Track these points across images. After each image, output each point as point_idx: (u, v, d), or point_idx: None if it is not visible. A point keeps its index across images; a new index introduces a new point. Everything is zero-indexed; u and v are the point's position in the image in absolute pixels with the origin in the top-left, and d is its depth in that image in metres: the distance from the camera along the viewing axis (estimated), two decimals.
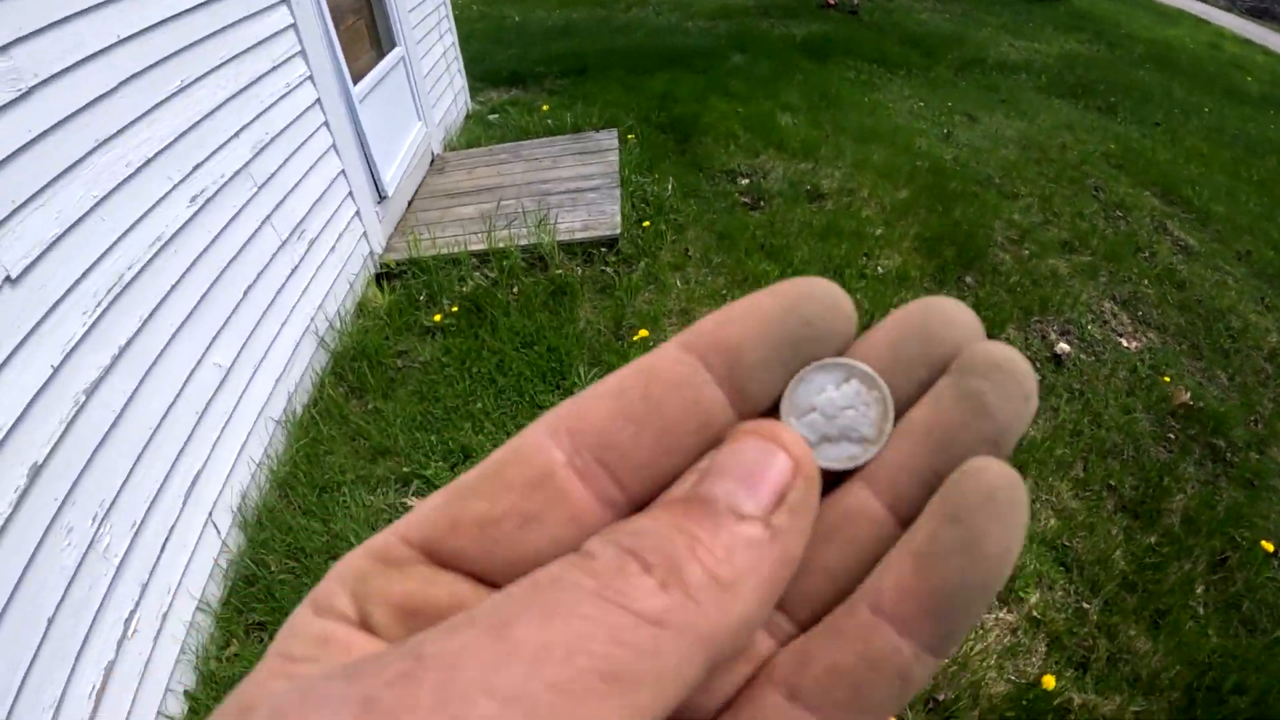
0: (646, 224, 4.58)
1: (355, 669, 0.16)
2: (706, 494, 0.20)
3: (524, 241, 4.35)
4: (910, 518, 0.22)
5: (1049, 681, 2.38)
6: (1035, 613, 2.64)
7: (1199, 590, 2.81)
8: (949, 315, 0.24)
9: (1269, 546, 2.95)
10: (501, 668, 0.16)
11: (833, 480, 0.24)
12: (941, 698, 2.35)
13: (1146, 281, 4.72)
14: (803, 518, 0.21)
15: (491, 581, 0.22)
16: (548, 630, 0.16)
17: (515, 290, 4.08)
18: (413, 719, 0.14)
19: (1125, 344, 4.11)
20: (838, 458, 0.24)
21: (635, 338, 3.72)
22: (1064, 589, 2.76)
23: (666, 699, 0.17)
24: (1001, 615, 2.64)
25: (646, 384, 0.23)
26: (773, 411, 0.24)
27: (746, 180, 5.38)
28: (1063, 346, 3.94)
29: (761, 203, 5.06)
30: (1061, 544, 2.91)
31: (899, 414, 0.24)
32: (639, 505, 0.22)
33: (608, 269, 4.25)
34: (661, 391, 0.23)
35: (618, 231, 4.39)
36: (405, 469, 3.07)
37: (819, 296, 0.24)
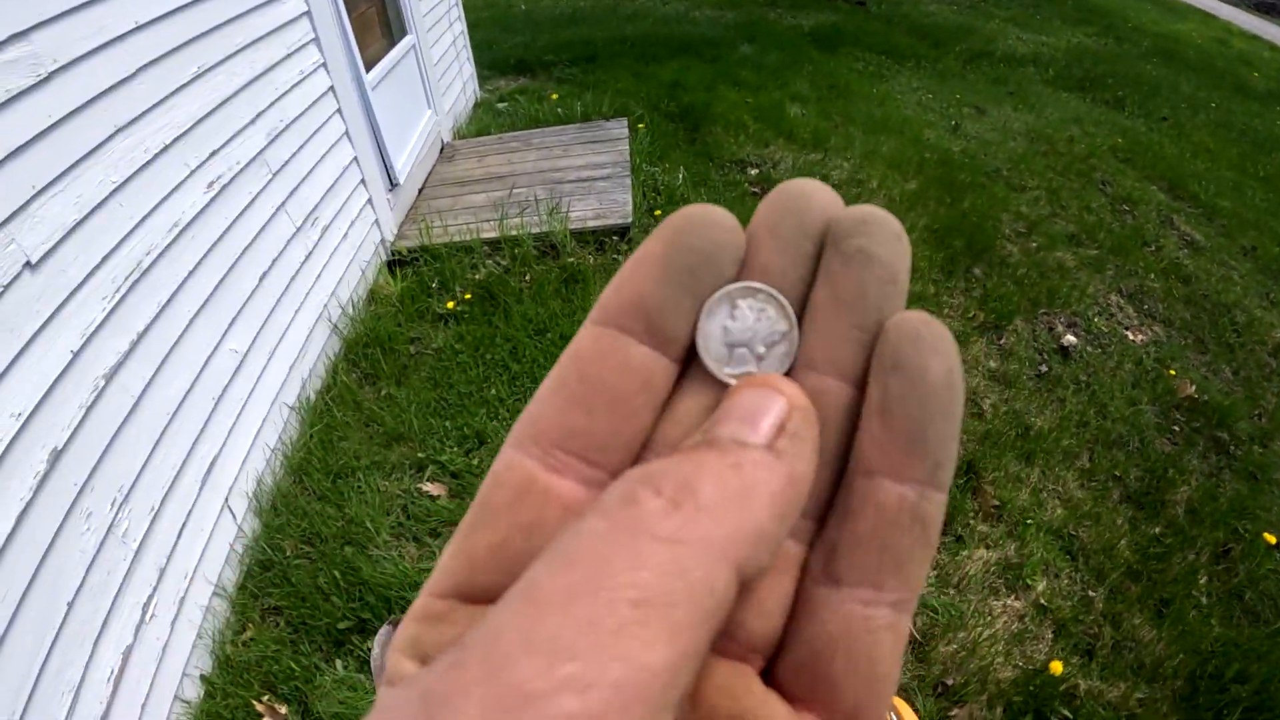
0: (658, 213, 4.59)
1: (414, 675, 0.18)
2: (713, 437, 0.21)
3: (536, 229, 4.36)
4: (860, 377, 0.24)
5: (1056, 667, 2.40)
6: (1042, 600, 2.66)
7: (1202, 580, 2.83)
8: (806, 190, 0.25)
9: (1271, 538, 2.97)
10: (536, 623, 0.16)
11: None
12: (950, 682, 2.38)
13: (1153, 275, 4.72)
14: (805, 444, 0.22)
15: None
16: (571, 575, 0.17)
17: (528, 278, 4.09)
18: (465, 698, 0.15)
19: (1131, 337, 4.13)
20: (777, 363, 0.25)
21: None
22: (1070, 577, 2.78)
23: (705, 613, 0.17)
24: (1009, 602, 2.66)
25: (579, 368, 0.25)
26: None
27: (756, 170, 5.37)
28: (1070, 339, 3.95)
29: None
30: (1068, 533, 2.94)
31: (806, 291, 0.25)
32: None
33: (620, 257, 4.26)
34: (594, 369, 0.24)
35: (630, 220, 4.39)
36: (420, 454, 3.08)
37: (697, 221, 0.25)
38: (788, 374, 0.25)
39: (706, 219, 0.25)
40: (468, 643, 0.16)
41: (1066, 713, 2.35)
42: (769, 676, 0.24)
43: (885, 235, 0.24)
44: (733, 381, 0.25)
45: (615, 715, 0.14)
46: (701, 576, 0.17)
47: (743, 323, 0.25)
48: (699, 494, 0.19)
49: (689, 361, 0.26)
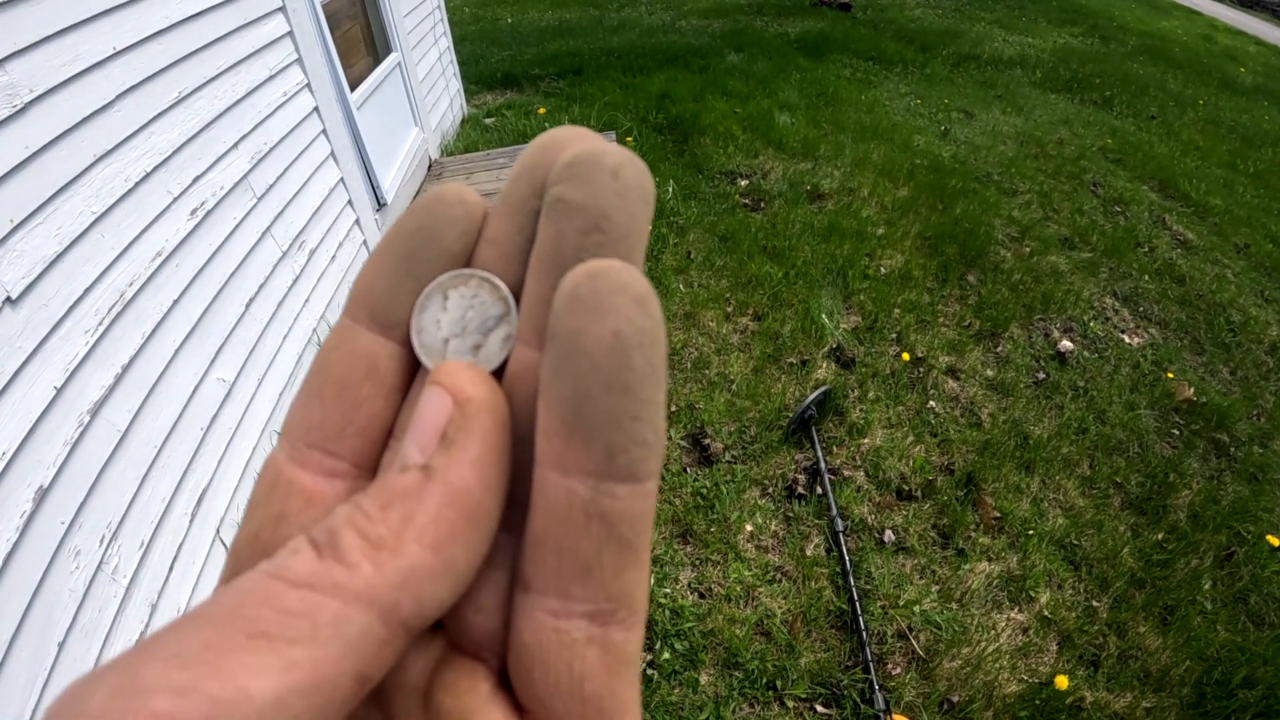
0: (648, 229, 4.54)
1: None
2: (395, 461, 0.21)
3: None
4: None
5: (1061, 682, 2.38)
6: (1046, 612, 2.64)
7: (1206, 585, 2.81)
8: (549, 141, 0.23)
9: (1274, 540, 2.96)
10: (175, 636, 0.17)
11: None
12: (956, 699, 2.35)
13: (1147, 277, 4.72)
14: (467, 447, 0.21)
15: None
16: (217, 607, 0.18)
17: None
18: (98, 683, 0.16)
19: (1127, 340, 4.12)
20: (499, 347, 0.24)
21: None
22: (1073, 587, 2.76)
23: (332, 654, 0.17)
24: (1013, 615, 2.64)
25: (318, 361, 0.25)
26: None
27: (746, 181, 5.36)
28: (1066, 344, 3.94)
29: (762, 204, 5.05)
30: (1070, 542, 2.92)
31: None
32: (368, 465, 0.24)
33: None
34: (329, 359, 0.24)
35: None
36: None
37: (423, 203, 0.24)
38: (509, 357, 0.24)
39: (433, 197, 0.24)
40: (141, 640, 0.17)
41: None
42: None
43: (590, 176, 0.21)
44: None
45: None
46: (330, 620, 0.17)
47: (454, 313, 0.24)
48: (340, 545, 0.19)
49: None
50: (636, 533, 0.21)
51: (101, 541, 2.13)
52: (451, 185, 0.25)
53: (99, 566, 2.10)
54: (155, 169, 2.53)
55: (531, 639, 0.21)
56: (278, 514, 0.23)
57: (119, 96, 2.42)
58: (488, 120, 6.82)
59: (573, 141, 0.23)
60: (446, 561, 0.19)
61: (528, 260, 0.23)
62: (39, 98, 2.10)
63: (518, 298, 0.24)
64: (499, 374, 0.24)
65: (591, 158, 0.21)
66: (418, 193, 5.26)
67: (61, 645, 1.93)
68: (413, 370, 0.25)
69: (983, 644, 2.50)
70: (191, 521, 2.51)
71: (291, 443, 0.24)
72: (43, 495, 1.94)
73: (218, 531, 2.64)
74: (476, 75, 7.92)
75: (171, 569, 2.39)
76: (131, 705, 0.15)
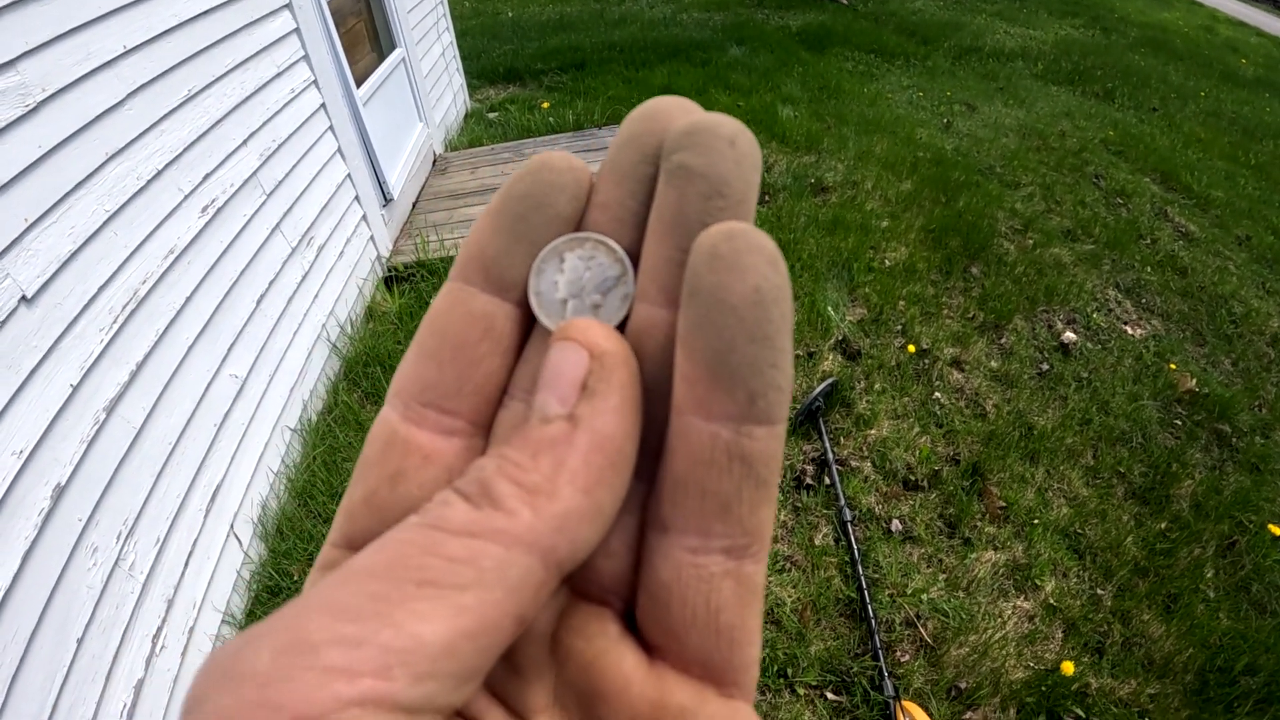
0: None
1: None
2: (531, 414, 0.22)
3: None
4: None
5: (1068, 668, 2.40)
6: (1051, 600, 2.66)
7: (1209, 574, 2.83)
8: (653, 111, 0.25)
9: (1276, 530, 2.98)
10: (336, 591, 0.18)
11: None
12: (963, 686, 2.38)
13: (1149, 269, 4.73)
14: (608, 396, 0.22)
15: None
16: (376, 558, 0.18)
17: None
18: (260, 641, 0.17)
19: (1130, 331, 4.13)
20: (618, 305, 0.25)
21: None
22: (1078, 576, 2.78)
23: (497, 597, 0.18)
24: (1019, 603, 2.66)
25: (431, 322, 0.25)
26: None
27: None
28: (1069, 335, 3.95)
29: (766, 197, 5.06)
30: (1074, 531, 2.94)
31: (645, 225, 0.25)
32: (483, 422, 0.25)
33: None
34: (443, 321, 0.25)
35: None
36: None
37: (531, 169, 0.25)
38: (628, 315, 0.25)
39: (540, 164, 0.25)
40: (285, 607, 0.18)
41: (1079, 712, 2.35)
42: (633, 621, 0.24)
43: (710, 145, 0.22)
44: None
45: (376, 672, 0.16)
46: (495, 566, 0.18)
47: (571, 275, 0.25)
48: (495, 495, 0.20)
49: None
50: (771, 471, 0.22)
51: (118, 538, 2.15)
52: (558, 152, 0.26)
53: (116, 563, 2.12)
54: (166, 166, 2.54)
55: (670, 575, 0.22)
56: (394, 472, 0.24)
57: (130, 95, 2.43)
58: (491, 115, 6.82)
59: (677, 111, 0.24)
60: (596, 504, 0.20)
61: (640, 224, 0.25)
62: (51, 97, 2.11)
63: (632, 260, 0.25)
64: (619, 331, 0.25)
65: (709, 127, 0.23)
66: (422, 188, 5.28)
67: (80, 641, 1.96)
68: (526, 330, 0.26)
69: (989, 631, 2.52)
70: (206, 517, 2.53)
71: (405, 402, 0.25)
72: (60, 493, 1.96)
73: (232, 527, 2.66)
74: (479, 70, 7.91)
75: (187, 564, 2.42)
76: (301, 662, 0.16)
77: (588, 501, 0.20)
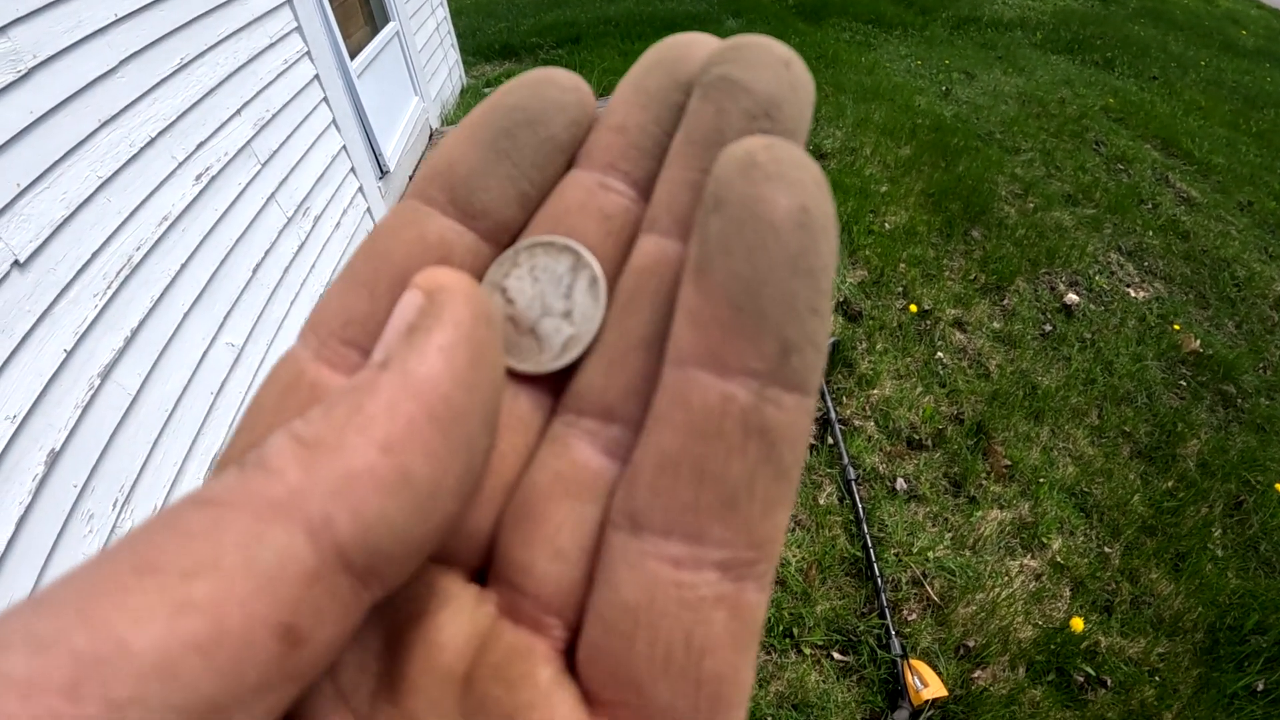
0: None
1: None
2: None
3: None
4: None
5: (1077, 624, 2.39)
6: (1059, 558, 2.65)
7: (1216, 533, 2.82)
8: (688, 39, 0.21)
9: None
10: (59, 580, 0.13)
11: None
12: (971, 644, 2.37)
13: (1151, 233, 4.70)
14: (433, 332, 0.16)
15: None
16: (119, 542, 0.14)
17: None
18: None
19: (1133, 294, 4.11)
20: (588, 294, 0.21)
21: None
22: (1085, 534, 2.77)
23: (241, 590, 0.13)
24: (1026, 561, 2.65)
25: (371, 244, 0.21)
26: (524, 218, 0.22)
27: None
28: (1071, 297, 3.93)
29: None
30: (1081, 490, 2.92)
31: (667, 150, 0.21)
32: None
33: None
34: (387, 245, 0.21)
35: None
36: None
37: (526, 80, 0.21)
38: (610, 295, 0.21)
39: (539, 76, 0.21)
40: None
41: (1089, 669, 2.34)
42: (575, 655, 0.18)
43: (760, 59, 0.19)
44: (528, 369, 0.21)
45: (61, 688, 0.11)
46: (235, 541, 0.13)
47: (522, 299, 0.21)
48: (264, 455, 0.15)
49: (507, 244, 0.22)
50: (795, 459, 0.17)
51: (114, 505, 2.13)
52: (554, 70, 0.22)
53: (112, 530, 2.10)
54: (159, 134, 2.53)
55: (638, 596, 0.16)
56: (288, 418, 0.17)
57: (121, 63, 2.41)
58: (486, 90, 6.77)
59: (702, 42, 0.21)
60: (400, 468, 0.15)
61: (661, 154, 0.21)
62: (42, 63, 2.10)
63: (645, 192, 0.21)
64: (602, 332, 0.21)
65: (762, 43, 0.19)
66: (419, 162, 5.25)
67: None
68: (485, 268, 0.22)
69: (997, 590, 2.51)
70: None
71: (322, 338, 0.20)
72: (54, 458, 1.94)
73: None
74: (474, 47, 7.87)
75: None
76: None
77: (386, 461, 0.15)
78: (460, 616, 0.18)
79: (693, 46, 0.21)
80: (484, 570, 0.20)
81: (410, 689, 0.17)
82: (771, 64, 0.19)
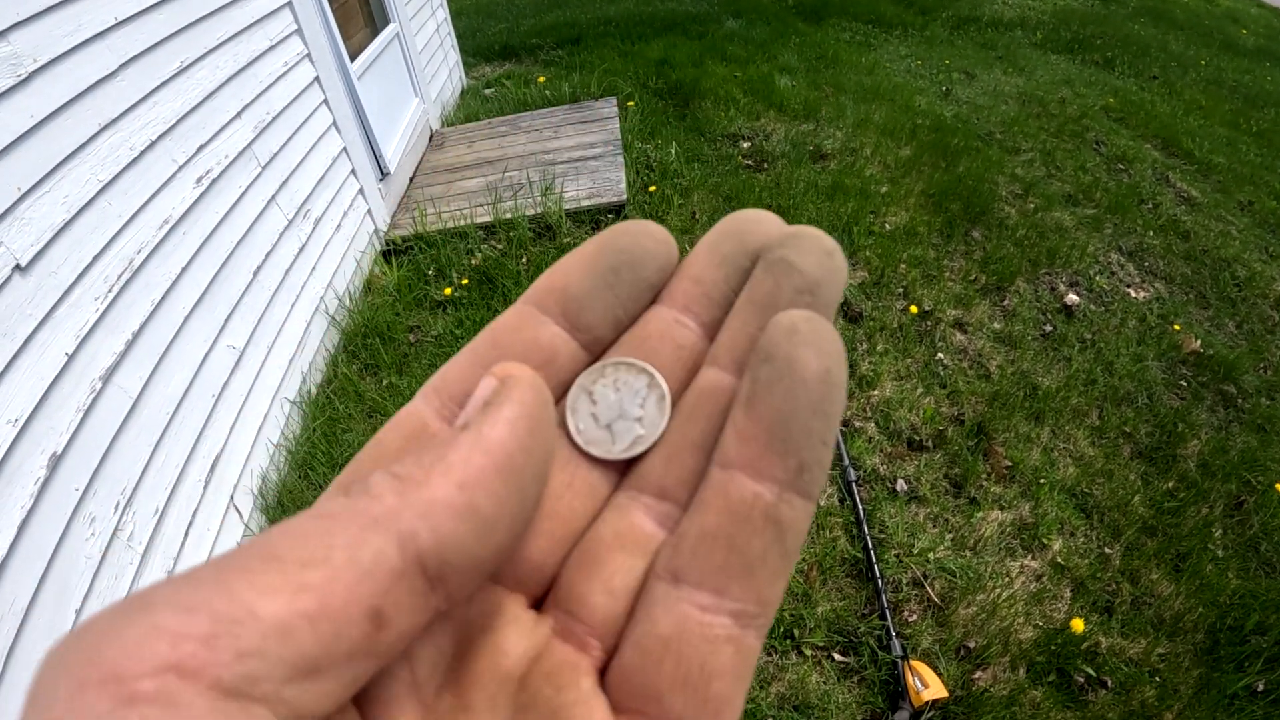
0: (653, 189, 4.56)
1: None
2: None
3: (531, 211, 4.34)
4: None
5: (1078, 625, 2.39)
6: (1059, 559, 2.65)
7: (1217, 534, 2.82)
8: (757, 216, 0.27)
9: None
10: (196, 567, 0.17)
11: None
12: (972, 645, 2.37)
13: (1151, 233, 4.70)
14: (502, 406, 0.21)
15: None
16: (258, 539, 0.18)
17: (525, 260, 4.05)
18: (109, 608, 0.16)
19: (1133, 294, 4.10)
20: (658, 410, 0.26)
21: None
22: (1085, 535, 2.77)
23: (344, 579, 0.17)
24: (1026, 562, 2.65)
25: (493, 335, 0.27)
26: (614, 337, 0.28)
27: (749, 143, 5.33)
28: (1072, 298, 3.93)
29: (765, 164, 5.02)
30: (1081, 490, 2.92)
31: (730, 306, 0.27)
32: None
33: None
34: (506, 338, 0.26)
35: (624, 198, 4.36)
36: None
37: (632, 229, 0.27)
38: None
39: (640, 229, 0.27)
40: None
41: (1089, 670, 2.34)
42: (605, 675, 0.23)
43: (811, 248, 0.25)
44: (599, 453, 0.26)
45: (201, 638, 0.15)
46: (343, 543, 0.18)
47: (604, 404, 0.26)
48: (369, 484, 0.19)
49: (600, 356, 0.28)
50: (795, 545, 0.22)
51: (116, 508, 2.14)
52: (652, 224, 0.28)
53: (114, 533, 2.12)
54: (160, 137, 2.53)
55: (671, 630, 0.22)
56: None
57: (122, 66, 2.42)
58: (487, 91, 6.78)
59: (767, 219, 0.27)
60: (470, 501, 0.19)
61: (727, 305, 0.27)
62: (43, 67, 2.11)
63: (711, 332, 0.27)
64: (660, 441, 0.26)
65: (814, 235, 0.25)
66: (419, 163, 5.26)
67: (79, 612, 1.95)
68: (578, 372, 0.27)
69: (997, 591, 2.51)
70: (205, 488, 2.52)
71: (444, 400, 0.25)
72: (56, 461, 1.95)
73: (231, 498, 2.65)
74: (474, 48, 7.87)
75: (186, 535, 2.41)
76: (136, 620, 0.15)
77: (460, 495, 0.19)
78: (521, 632, 0.23)
79: (761, 223, 0.27)
80: (540, 601, 0.25)
81: (473, 683, 0.22)
82: (818, 252, 0.25)
